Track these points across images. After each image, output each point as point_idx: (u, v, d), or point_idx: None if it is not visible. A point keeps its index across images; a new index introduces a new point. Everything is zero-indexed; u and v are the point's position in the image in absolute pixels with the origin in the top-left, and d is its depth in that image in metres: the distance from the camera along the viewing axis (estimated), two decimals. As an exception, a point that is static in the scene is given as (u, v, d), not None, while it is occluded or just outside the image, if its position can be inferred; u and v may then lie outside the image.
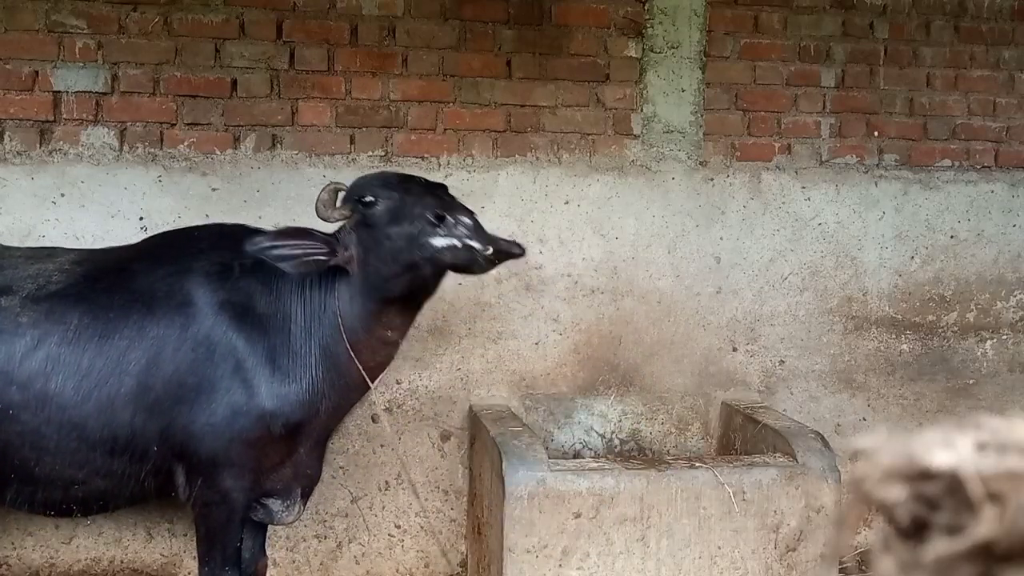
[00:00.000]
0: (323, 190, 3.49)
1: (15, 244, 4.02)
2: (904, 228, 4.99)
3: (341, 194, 3.51)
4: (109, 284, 3.44)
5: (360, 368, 3.48)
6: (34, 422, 3.28)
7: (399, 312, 3.49)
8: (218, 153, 4.36)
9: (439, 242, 3.26)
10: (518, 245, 3.58)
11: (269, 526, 3.94)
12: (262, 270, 3.48)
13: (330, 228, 3.51)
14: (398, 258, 3.31)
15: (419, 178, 3.61)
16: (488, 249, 3.28)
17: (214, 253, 3.52)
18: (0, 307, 3.34)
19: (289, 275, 3.47)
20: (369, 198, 3.39)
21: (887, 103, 4.97)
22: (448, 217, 3.25)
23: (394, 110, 4.49)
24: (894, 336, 5.01)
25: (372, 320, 3.46)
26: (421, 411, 4.58)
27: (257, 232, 3.46)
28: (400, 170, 4.13)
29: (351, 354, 3.47)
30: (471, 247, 3.26)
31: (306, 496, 3.73)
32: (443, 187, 3.51)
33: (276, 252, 3.34)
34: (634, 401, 4.77)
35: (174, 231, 3.85)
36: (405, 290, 3.40)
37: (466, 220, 3.28)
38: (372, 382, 3.57)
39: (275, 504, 3.67)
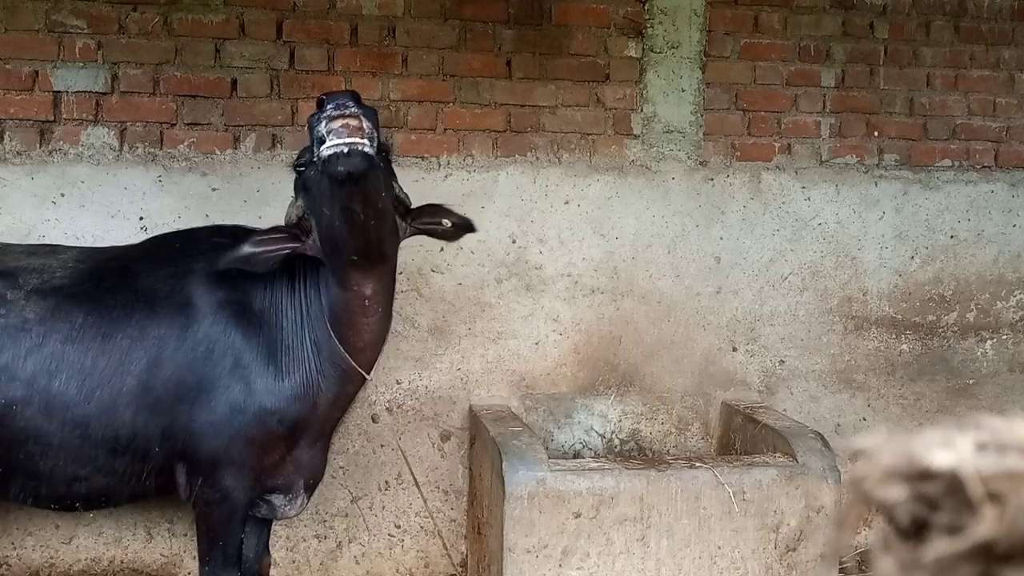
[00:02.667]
0: (289, 207, 3.47)
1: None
2: (904, 228, 4.99)
3: None
4: (112, 284, 3.46)
5: (345, 354, 3.43)
6: (38, 419, 3.30)
7: (363, 274, 3.32)
8: (218, 153, 4.36)
9: (325, 152, 2.97)
10: (470, 221, 3.51)
11: (272, 525, 3.95)
12: None
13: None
14: (323, 202, 3.16)
15: None
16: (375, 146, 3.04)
17: (213, 254, 3.54)
18: (6, 300, 3.35)
19: (281, 272, 3.50)
20: (300, 164, 3.31)
21: (887, 103, 4.97)
22: (327, 126, 2.97)
23: (394, 110, 4.49)
24: (894, 336, 5.01)
25: (346, 292, 3.37)
26: (421, 411, 4.58)
27: (249, 232, 3.49)
28: (400, 171, 4.13)
29: (335, 339, 3.43)
30: (353, 146, 2.93)
31: (310, 490, 3.74)
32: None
33: (244, 256, 3.35)
34: (634, 401, 4.77)
35: (174, 233, 3.87)
36: (345, 237, 3.19)
37: (338, 119, 2.96)
38: (367, 371, 3.53)
39: (277, 499, 3.68)
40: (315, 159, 3.07)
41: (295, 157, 3.46)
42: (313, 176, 3.18)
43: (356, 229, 3.18)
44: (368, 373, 3.57)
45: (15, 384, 3.29)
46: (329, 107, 3.02)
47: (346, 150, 2.95)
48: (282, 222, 3.48)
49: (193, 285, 3.47)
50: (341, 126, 2.97)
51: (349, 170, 2.97)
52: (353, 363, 3.48)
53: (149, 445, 3.40)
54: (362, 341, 3.48)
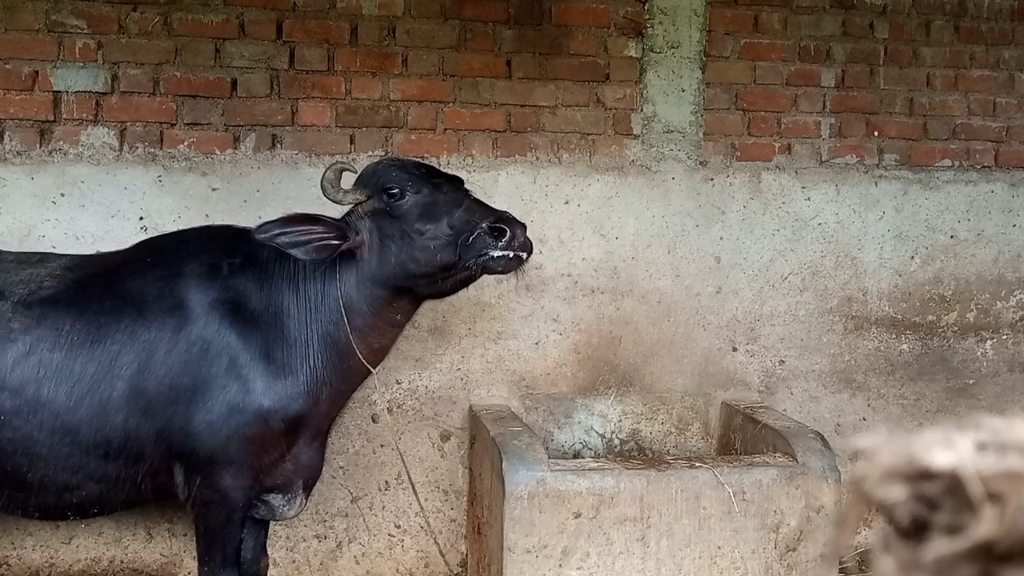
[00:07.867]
0: (328, 169, 3.48)
1: (15, 244, 4.03)
2: (904, 228, 4.99)
3: (347, 175, 3.52)
4: (100, 289, 3.44)
5: (359, 354, 3.51)
6: (26, 428, 3.29)
7: (413, 301, 3.57)
8: (218, 153, 4.36)
9: (497, 252, 3.33)
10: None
11: (270, 526, 3.94)
12: (252, 268, 3.50)
13: (334, 211, 3.53)
14: (434, 258, 3.36)
15: (436, 170, 3.66)
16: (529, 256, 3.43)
17: (203, 255, 3.52)
18: None
19: (281, 270, 3.49)
20: (395, 188, 3.41)
21: (887, 103, 4.97)
22: (507, 230, 3.32)
23: (394, 110, 4.49)
24: (894, 336, 5.01)
25: (382, 305, 3.51)
26: (421, 411, 4.58)
27: (248, 230, 3.48)
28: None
29: (350, 338, 3.48)
30: (521, 258, 3.37)
31: (308, 489, 3.73)
32: (460, 180, 3.56)
33: (286, 239, 3.35)
34: (634, 401, 4.77)
35: (163, 235, 3.84)
36: (432, 287, 3.47)
37: (523, 236, 3.36)
38: (374, 366, 3.60)
39: (276, 499, 3.67)
40: (485, 243, 3.35)
41: (381, 177, 3.47)
42: (429, 228, 3.38)
43: (444, 290, 3.55)
44: (375, 369, 3.63)
45: (1, 395, 3.27)
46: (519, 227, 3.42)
47: (518, 259, 3.38)
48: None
49: (184, 287, 3.45)
50: (526, 242, 3.40)
51: (507, 272, 3.42)
52: (364, 362, 3.55)
53: (142, 448, 3.39)
54: (379, 344, 3.61)
